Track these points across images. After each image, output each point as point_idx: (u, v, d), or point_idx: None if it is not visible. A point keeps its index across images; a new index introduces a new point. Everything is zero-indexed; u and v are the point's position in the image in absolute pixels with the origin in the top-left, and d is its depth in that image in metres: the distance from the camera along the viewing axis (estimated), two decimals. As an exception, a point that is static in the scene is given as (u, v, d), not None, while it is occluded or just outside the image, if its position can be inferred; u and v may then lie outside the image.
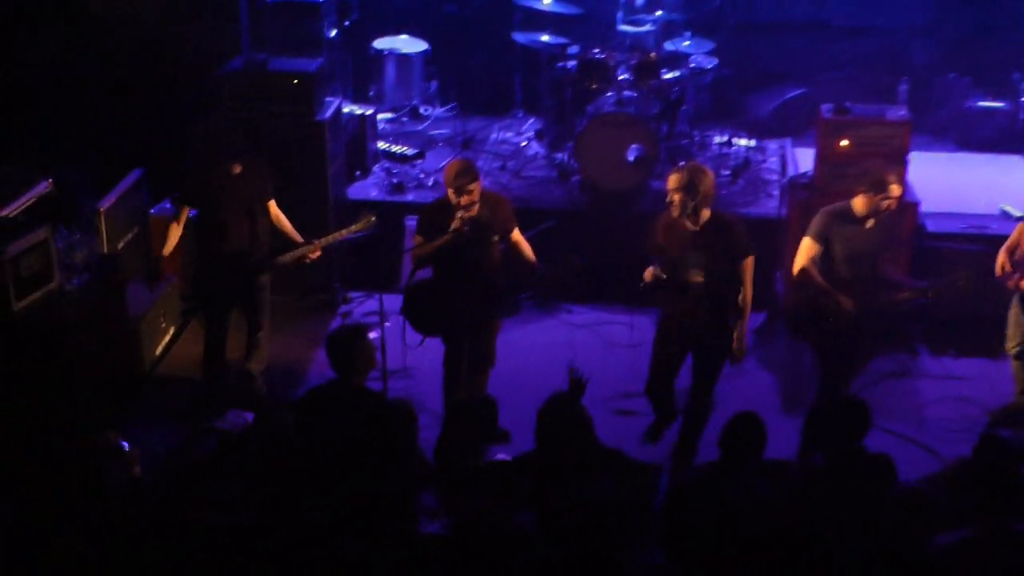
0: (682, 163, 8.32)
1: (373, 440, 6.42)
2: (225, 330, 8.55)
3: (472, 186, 7.55)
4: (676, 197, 7.54)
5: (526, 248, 7.95)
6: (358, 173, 11.08)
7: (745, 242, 7.59)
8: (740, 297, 7.57)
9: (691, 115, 11.38)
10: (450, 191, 7.60)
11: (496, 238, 7.80)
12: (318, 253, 8.16)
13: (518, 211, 8.69)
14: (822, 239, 7.91)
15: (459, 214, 7.54)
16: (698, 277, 7.56)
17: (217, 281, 8.37)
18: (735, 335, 7.62)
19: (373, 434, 6.44)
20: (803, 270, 7.90)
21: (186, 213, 8.34)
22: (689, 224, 7.66)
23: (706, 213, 7.61)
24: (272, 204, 8.39)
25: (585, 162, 10.80)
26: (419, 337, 8.08)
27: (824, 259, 7.96)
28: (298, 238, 8.30)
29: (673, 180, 7.58)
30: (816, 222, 7.99)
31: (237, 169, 8.14)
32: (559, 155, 11.35)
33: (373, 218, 8.18)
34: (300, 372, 9.16)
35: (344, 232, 8.14)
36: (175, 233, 8.23)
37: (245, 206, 8.26)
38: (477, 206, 7.60)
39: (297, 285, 9.89)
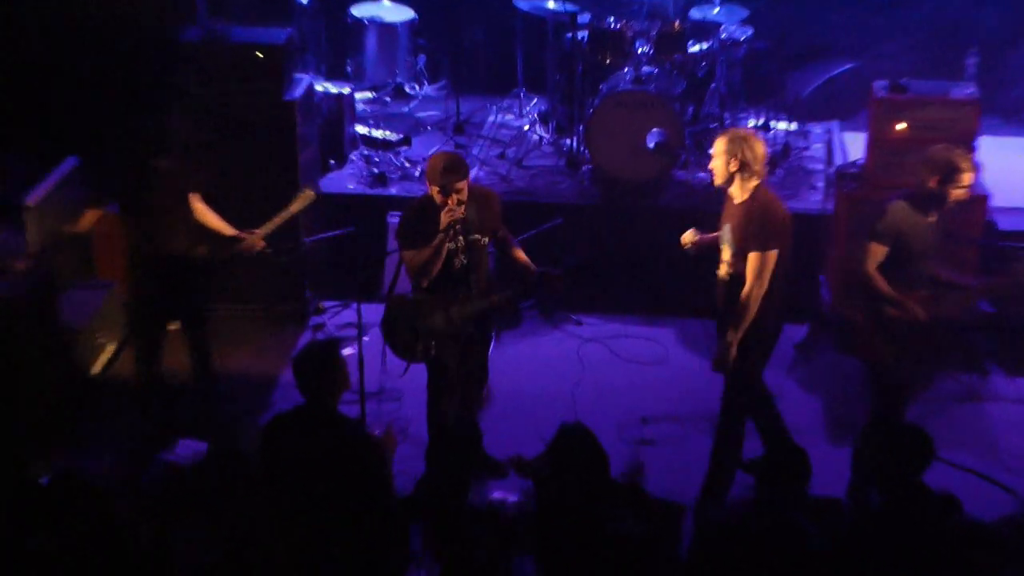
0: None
1: (347, 473, 6.40)
2: (160, 343, 8.43)
3: (461, 184, 7.34)
4: (715, 164, 7.59)
5: (516, 250, 7.82)
6: (333, 162, 10.79)
7: (767, 232, 7.42)
8: (743, 294, 7.45)
9: (721, 95, 11.10)
10: (434, 190, 7.39)
11: (484, 240, 7.66)
12: (261, 244, 8.09)
13: (520, 206, 8.72)
14: (891, 238, 7.73)
15: (444, 214, 7.39)
16: (727, 256, 7.57)
17: (151, 287, 8.26)
18: (726, 341, 7.51)
19: (347, 466, 6.41)
20: (868, 275, 7.74)
21: (97, 213, 8.44)
22: (734, 196, 7.63)
23: (751, 185, 7.51)
24: (195, 198, 8.25)
25: (598, 149, 10.63)
26: (401, 363, 7.98)
27: (889, 260, 7.80)
28: (231, 232, 8.16)
29: (716, 144, 7.60)
30: (884, 218, 7.77)
31: (164, 164, 8.06)
32: (567, 141, 11.11)
33: (311, 192, 8.13)
34: (264, 394, 9.10)
35: (284, 214, 8.07)
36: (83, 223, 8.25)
37: (177, 204, 8.19)
38: (464, 207, 7.45)
39: (263, 293, 9.86)
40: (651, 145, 10.28)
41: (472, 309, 7.46)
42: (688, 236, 7.81)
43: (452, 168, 7.35)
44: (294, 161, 9.64)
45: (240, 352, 9.38)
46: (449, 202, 7.24)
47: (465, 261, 7.47)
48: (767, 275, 7.39)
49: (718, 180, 7.54)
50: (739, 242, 7.48)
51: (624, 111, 10.37)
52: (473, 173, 9.44)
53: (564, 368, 9.40)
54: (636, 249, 9.73)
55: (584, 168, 10.92)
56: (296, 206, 8.09)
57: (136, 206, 8.07)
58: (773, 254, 7.39)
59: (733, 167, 7.46)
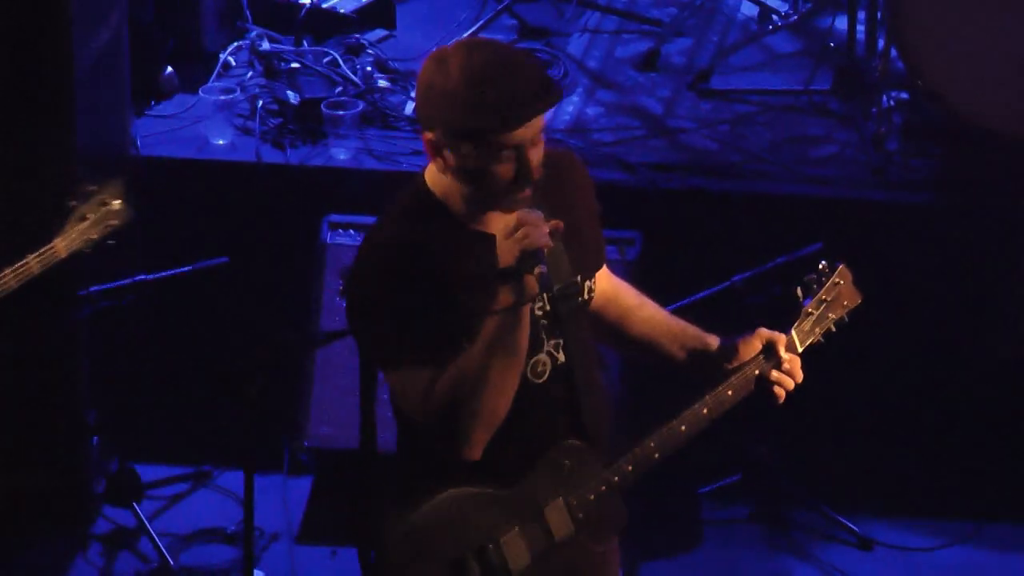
0: None
1: None
2: None
3: (533, 133, 4.04)
4: None
5: (648, 308, 4.44)
6: (170, 70, 7.19)
7: None
8: None
9: None
10: (466, 150, 4.00)
11: (591, 288, 4.31)
12: None
13: (694, 199, 6.28)
14: None
15: (509, 240, 4.01)
16: None
17: None
18: None
19: None
20: None
21: None
22: None
23: None
24: None
25: (931, 44, 6.80)
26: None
27: None
28: None
29: None
30: None
31: None
32: (837, 24, 7.63)
33: (115, 203, 5.17)
34: None
35: (25, 268, 5.17)
36: None
37: None
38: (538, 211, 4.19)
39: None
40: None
41: (609, 481, 4.32)
42: None
43: (516, 90, 4.02)
44: (63, 72, 6.08)
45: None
46: (528, 169, 4.02)
47: (561, 356, 4.27)
48: None
49: None
50: None
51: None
52: (570, 108, 6.73)
53: None
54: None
55: (893, 97, 7.11)
56: (82, 233, 5.19)
57: None
58: None
59: None
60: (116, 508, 6.35)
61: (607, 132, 7.04)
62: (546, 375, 4.12)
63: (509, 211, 4.00)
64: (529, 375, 4.07)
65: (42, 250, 5.15)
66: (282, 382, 6.10)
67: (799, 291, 4.21)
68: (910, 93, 7.12)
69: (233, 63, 7.29)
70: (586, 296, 4.19)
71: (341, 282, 6.12)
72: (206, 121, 6.90)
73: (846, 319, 4.19)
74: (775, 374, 4.14)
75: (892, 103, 7.08)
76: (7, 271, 5.14)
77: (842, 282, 4.19)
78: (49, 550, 6.43)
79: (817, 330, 4.15)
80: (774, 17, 7.65)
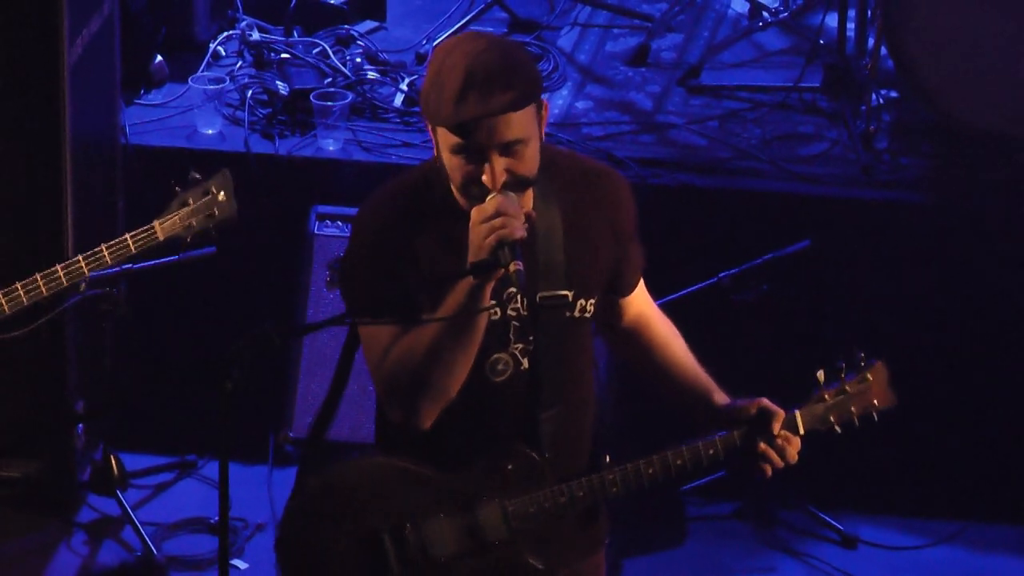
0: None
1: None
2: None
3: (510, 131, 4.02)
4: None
5: (672, 346, 4.46)
6: (160, 59, 7.38)
7: None
8: None
9: None
10: (442, 144, 4.12)
11: (587, 306, 4.30)
12: None
13: (676, 198, 6.47)
14: None
15: (479, 227, 4.05)
16: None
17: None
18: None
19: None
20: None
21: None
22: None
23: None
24: None
25: (918, 50, 7.03)
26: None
27: None
28: None
29: None
30: None
31: None
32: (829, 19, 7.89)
33: (221, 194, 5.47)
34: None
35: (123, 245, 5.51)
36: None
37: None
38: (528, 203, 4.19)
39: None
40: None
41: (555, 499, 4.28)
42: None
43: (481, 80, 4.07)
44: (55, 61, 6.21)
45: None
46: (485, 179, 4.05)
47: (526, 363, 4.28)
48: None
49: None
50: None
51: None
52: (560, 102, 6.82)
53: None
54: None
55: (882, 95, 7.32)
56: (141, 239, 5.29)
57: None
58: None
59: None
60: (101, 497, 6.48)
61: (596, 127, 7.11)
62: (506, 376, 4.12)
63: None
64: (487, 371, 4.09)
65: (140, 230, 5.19)
66: (268, 373, 6.32)
67: (821, 374, 4.01)
68: (900, 91, 7.25)
69: (223, 53, 7.44)
70: (578, 314, 4.14)
71: (328, 273, 6.29)
72: (195, 110, 7.04)
73: (875, 417, 3.93)
74: (763, 447, 4.02)
75: (882, 101, 7.19)
76: (103, 247, 5.20)
77: (873, 379, 3.99)
78: (33, 538, 6.55)
79: (831, 419, 3.93)
80: (764, 14, 7.75)
